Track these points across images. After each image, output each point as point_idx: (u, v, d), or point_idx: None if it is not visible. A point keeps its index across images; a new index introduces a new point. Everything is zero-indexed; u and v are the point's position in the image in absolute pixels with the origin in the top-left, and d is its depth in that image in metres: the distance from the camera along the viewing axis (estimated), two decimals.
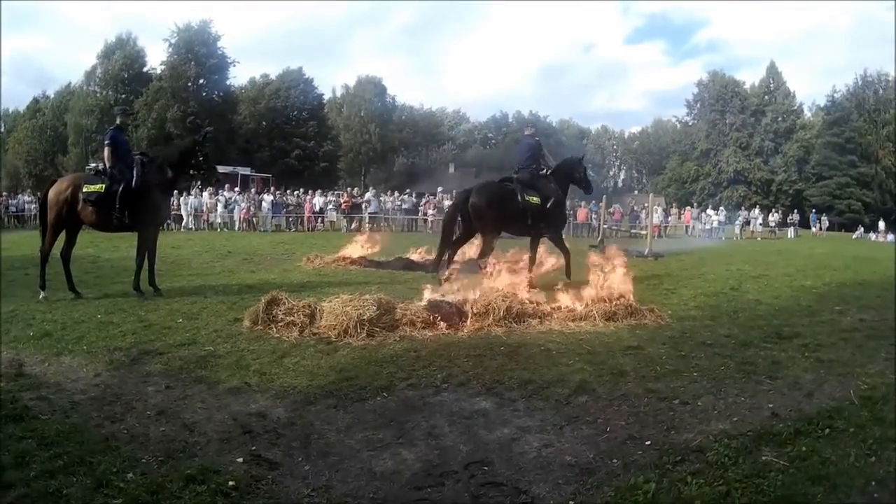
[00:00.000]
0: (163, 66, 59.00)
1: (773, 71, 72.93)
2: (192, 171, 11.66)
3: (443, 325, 8.20)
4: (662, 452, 4.56)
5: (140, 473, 4.11)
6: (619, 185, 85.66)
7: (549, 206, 11.91)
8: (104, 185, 10.47)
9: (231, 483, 4.01)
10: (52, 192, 10.71)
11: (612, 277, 10.27)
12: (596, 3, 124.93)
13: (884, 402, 5.66)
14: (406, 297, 9.52)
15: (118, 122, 11.71)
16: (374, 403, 5.59)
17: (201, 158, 11.43)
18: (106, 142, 11.06)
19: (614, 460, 4.46)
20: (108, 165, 10.75)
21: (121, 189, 10.39)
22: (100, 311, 9.02)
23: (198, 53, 57.25)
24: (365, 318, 7.85)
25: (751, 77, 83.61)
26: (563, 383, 6.14)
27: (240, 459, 4.41)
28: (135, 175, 10.53)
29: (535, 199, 11.84)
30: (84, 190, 10.49)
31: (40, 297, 10.23)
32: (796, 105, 71.95)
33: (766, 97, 71.25)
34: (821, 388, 6.18)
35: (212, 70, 58.39)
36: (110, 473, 4.06)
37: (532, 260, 12.35)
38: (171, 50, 58.20)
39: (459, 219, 12.25)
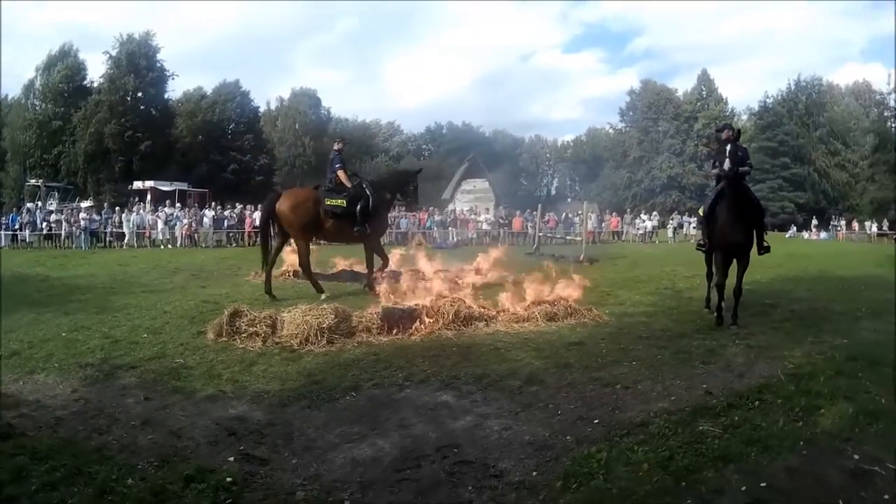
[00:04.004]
0: (102, 79, 57.35)
1: (704, 78, 74.89)
2: (401, 197, 13.47)
3: (396, 330, 8.69)
4: (610, 428, 5.22)
5: (139, 479, 4.33)
6: (553, 192, 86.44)
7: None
8: (344, 201, 12.13)
9: (229, 479, 4.32)
10: (288, 204, 12.09)
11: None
12: (535, 13, 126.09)
13: (809, 377, 6.46)
14: (357, 306, 9.89)
15: (339, 146, 13.31)
16: (344, 402, 6.04)
17: (412, 188, 13.35)
18: (337, 165, 12.63)
19: (567, 437, 5.08)
20: (346, 184, 12.45)
21: (360, 206, 12.15)
22: (62, 329, 9.04)
23: (138, 66, 56.09)
24: (324, 325, 8.28)
25: (686, 84, 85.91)
26: (515, 376, 6.75)
27: (231, 458, 4.73)
28: (370, 194, 12.32)
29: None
30: (327, 203, 12.09)
31: (323, 297, 11.54)
32: (728, 111, 73.62)
33: (699, 104, 72.92)
34: (751, 370, 6.97)
35: (151, 83, 57.16)
36: (110, 481, 4.25)
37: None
38: (110, 63, 56.73)
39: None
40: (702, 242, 10.46)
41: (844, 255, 25.86)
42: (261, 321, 8.49)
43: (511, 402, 5.97)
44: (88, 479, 4.30)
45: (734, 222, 9.27)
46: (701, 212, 10.82)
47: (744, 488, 4.14)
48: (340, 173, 12.54)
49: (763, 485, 4.18)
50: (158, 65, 58.33)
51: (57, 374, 6.85)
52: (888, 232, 44.78)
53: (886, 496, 4.03)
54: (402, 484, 4.33)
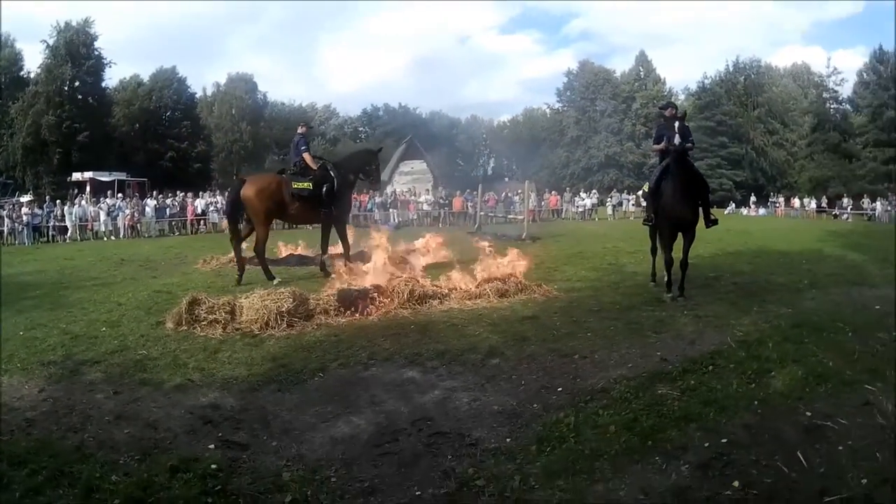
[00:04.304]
0: (39, 70, 55.22)
1: (642, 59, 75.51)
2: (363, 177, 13.60)
3: (353, 311, 8.85)
4: (573, 395, 5.53)
5: (123, 474, 4.34)
6: (490, 173, 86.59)
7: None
8: (311, 184, 12.35)
9: (214, 466, 4.40)
10: (253, 190, 12.09)
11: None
12: None
13: (758, 344, 6.85)
14: (310, 289, 9.95)
15: (303, 130, 13.44)
16: (313, 384, 6.19)
17: (374, 167, 13.60)
18: (302, 147, 12.92)
19: (535, 405, 5.36)
20: (312, 167, 12.68)
21: (325, 188, 12.36)
22: (19, 328, 8.80)
23: (76, 55, 54.38)
24: (283, 310, 8.38)
25: (623, 65, 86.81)
26: (475, 350, 7.01)
27: (211, 446, 4.79)
28: (334, 176, 12.58)
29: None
30: (294, 186, 12.21)
31: (275, 282, 11.51)
32: (666, 91, 74.20)
33: (636, 84, 73.50)
34: (701, 338, 7.36)
35: (88, 72, 55.37)
36: (94, 479, 4.23)
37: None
38: (48, 52, 54.68)
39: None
40: (648, 217, 10.77)
41: (783, 231, 26.63)
42: (220, 308, 8.51)
43: (475, 375, 6.22)
44: (72, 479, 4.28)
45: (680, 197, 9.62)
46: (646, 188, 11.19)
47: (707, 444, 4.43)
48: (306, 156, 12.74)
49: (724, 441, 4.46)
50: (96, 52, 56.55)
51: (21, 375, 6.66)
52: (826, 209, 46.24)
53: (841, 448, 4.32)
54: (383, 458, 4.52)
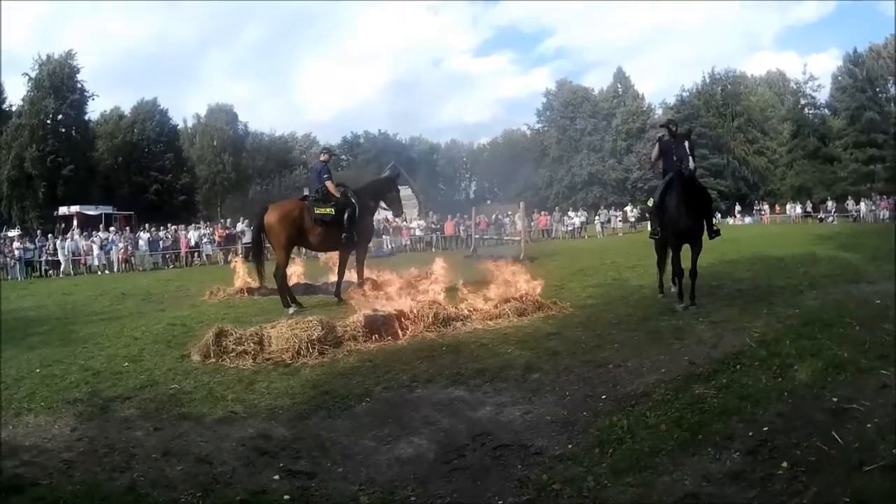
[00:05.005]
0: (22, 102, 55.05)
1: (620, 76, 75.75)
2: (384, 205, 13.82)
3: (381, 336, 8.94)
4: (618, 401, 5.81)
5: None
6: (472, 196, 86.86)
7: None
8: (333, 210, 12.44)
9: (287, 497, 4.38)
10: (276, 216, 12.29)
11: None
12: (445, 18, 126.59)
13: (775, 342, 7.17)
14: (329, 317, 9.92)
15: (325, 158, 13.63)
16: (361, 408, 6.23)
17: (395, 193, 13.77)
18: (325, 175, 12.86)
19: (584, 412, 5.63)
20: (334, 194, 12.67)
21: (347, 213, 12.49)
22: (34, 366, 8.52)
23: (58, 88, 54.16)
24: (314, 337, 8.41)
25: (599, 81, 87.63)
26: (512, 367, 7.21)
27: (276, 477, 4.75)
28: (356, 202, 12.66)
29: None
30: (316, 212, 12.32)
31: (290, 311, 11.53)
32: (646, 106, 74.96)
33: (615, 100, 73.67)
34: (721, 341, 7.67)
35: (72, 105, 55.21)
36: None
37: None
38: (30, 84, 54.57)
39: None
40: (654, 231, 11.06)
41: (772, 237, 27.43)
42: (248, 339, 8.45)
43: (519, 389, 6.43)
44: None
45: (685, 210, 9.95)
46: (650, 202, 11.49)
47: (750, 433, 4.73)
48: (329, 184, 12.80)
49: (765, 429, 4.77)
50: (79, 86, 56.58)
51: (46, 414, 6.42)
52: (812, 214, 47.08)
53: (869, 425, 4.64)
54: (455, 473, 4.67)
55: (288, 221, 12.33)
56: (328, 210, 12.53)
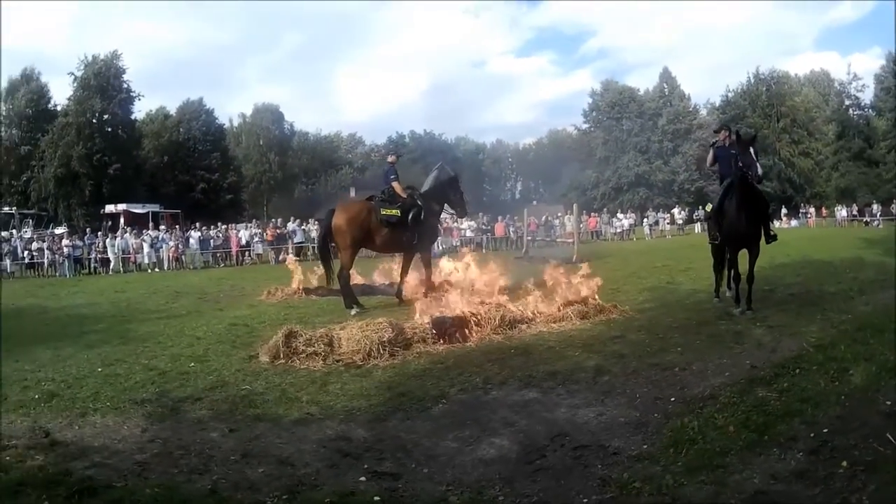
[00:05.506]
0: (68, 102, 56.77)
1: (666, 76, 75.38)
2: (449, 206, 14.24)
3: (449, 338, 9.09)
4: (687, 403, 6.05)
5: None
6: (517, 196, 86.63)
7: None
8: (399, 211, 12.64)
9: (377, 498, 4.42)
10: (344, 218, 12.53)
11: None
12: (485, 20, 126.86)
13: (832, 347, 7.47)
14: (394, 317, 10.08)
15: (392, 159, 13.99)
16: (438, 410, 6.33)
17: (459, 195, 13.89)
18: (392, 177, 13.09)
19: (655, 414, 5.85)
20: (401, 195, 12.89)
21: (412, 214, 12.69)
22: (95, 365, 8.57)
23: (105, 87, 55.46)
24: (384, 339, 8.54)
25: (643, 82, 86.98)
26: (582, 370, 7.42)
27: (363, 479, 4.78)
28: (421, 204, 12.86)
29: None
30: (382, 213, 12.55)
31: (353, 312, 11.81)
32: (692, 107, 74.45)
33: (661, 101, 73.27)
34: (779, 346, 7.98)
35: (118, 105, 56.51)
36: None
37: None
38: (76, 84, 56.00)
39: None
40: (713, 236, 11.23)
41: (819, 241, 27.30)
42: (318, 340, 8.56)
43: (591, 392, 6.64)
44: None
45: (745, 216, 10.11)
46: (708, 208, 11.66)
47: (811, 435, 4.95)
48: (396, 185, 13.04)
49: (825, 430, 4.99)
50: (125, 85, 57.84)
51: (114, 415, 6.40)
52: (858, 217, 46.45)
53: None
54: (539, 473, 4.84)
55: (356, 223, 12.58)
56: (394, 211, 12.75)
